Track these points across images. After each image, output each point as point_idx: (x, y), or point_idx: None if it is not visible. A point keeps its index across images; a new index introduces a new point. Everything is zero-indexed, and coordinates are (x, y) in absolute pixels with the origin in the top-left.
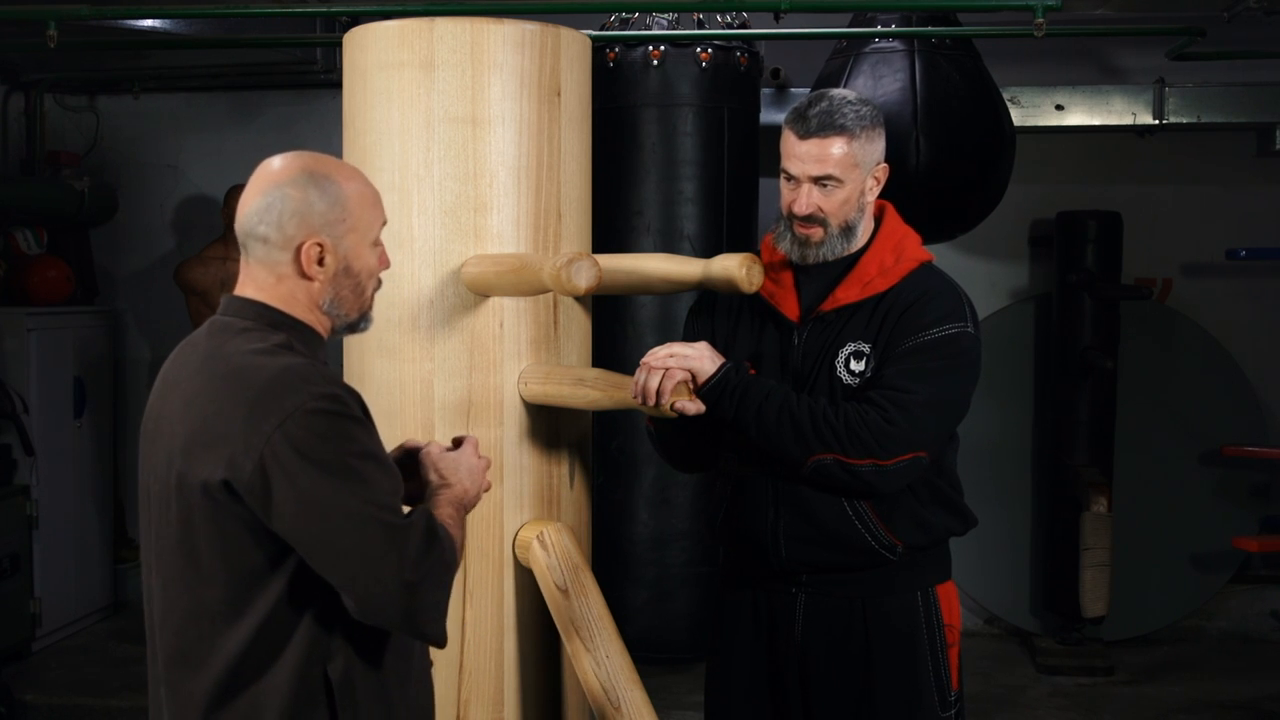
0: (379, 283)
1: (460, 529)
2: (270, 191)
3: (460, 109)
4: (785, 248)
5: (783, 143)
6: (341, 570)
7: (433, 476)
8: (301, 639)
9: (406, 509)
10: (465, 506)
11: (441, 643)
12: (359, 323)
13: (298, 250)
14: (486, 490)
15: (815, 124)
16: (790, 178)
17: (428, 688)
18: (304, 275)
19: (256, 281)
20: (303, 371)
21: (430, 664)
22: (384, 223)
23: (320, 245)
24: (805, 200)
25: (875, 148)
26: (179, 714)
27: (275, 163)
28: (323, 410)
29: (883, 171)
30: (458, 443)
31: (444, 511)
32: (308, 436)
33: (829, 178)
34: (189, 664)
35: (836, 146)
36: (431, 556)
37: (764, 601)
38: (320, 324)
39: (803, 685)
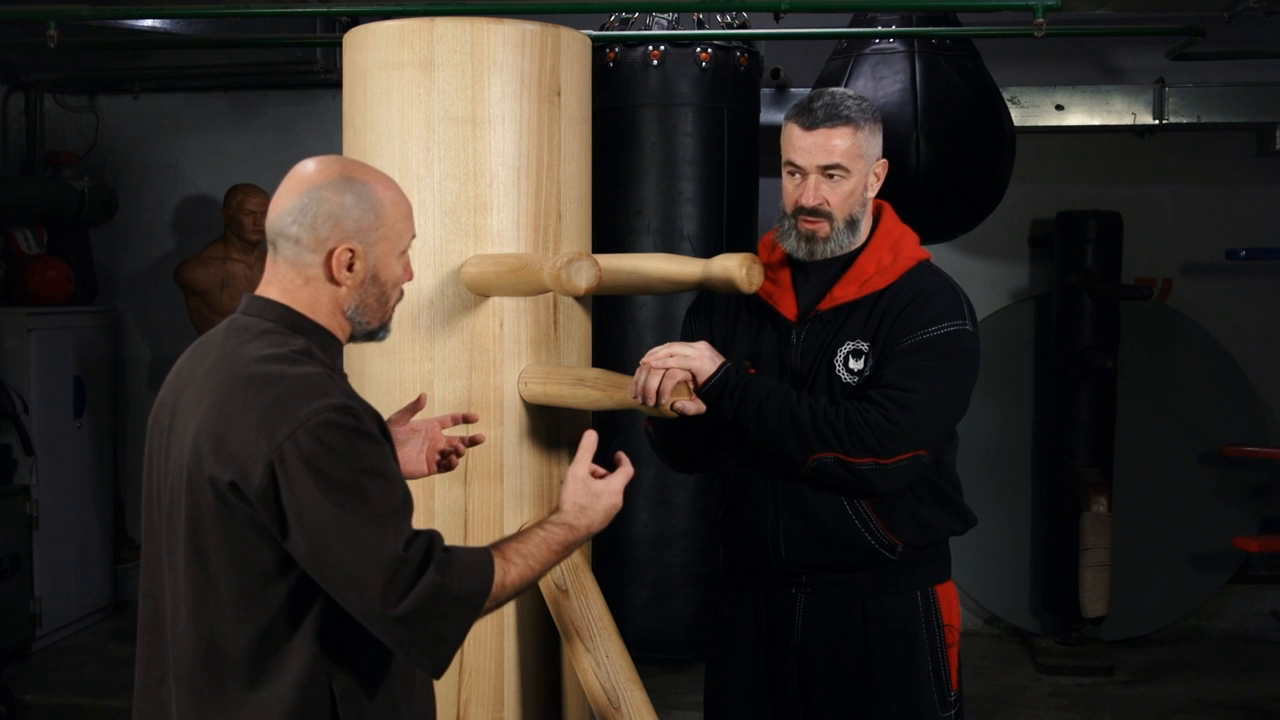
0: (401, 294)
1: (534, 566)
2: (307, 192)
3: (460, 109)
4: (790, 245)
5: (786, 137)
6: (335, 587)
7: (568, 507)
8: (307, 646)
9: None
10: (569, 549)
11: (435, 674)
12: (379, 331)
13: (329, 254)
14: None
15: (821, 115)
16: (795, 171)
17: (430, 694)
18: (332, 280)
19: (282, 282)
20: (319, 382)
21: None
22: (413, 235)
23: (352, 251)
24: (813, 192)
25: (876, 141)
26: (186, 712)
27: (311, 164)
28: (334, 423)
29: (882, 167)
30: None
31: (528, 546)
32: (317, 448)
33: (836, 167)
34: (194, 663)
35: (842, 137)
36: (418, 590)
37: (764, 601)
38: (341, 329)
39: (802, 685)
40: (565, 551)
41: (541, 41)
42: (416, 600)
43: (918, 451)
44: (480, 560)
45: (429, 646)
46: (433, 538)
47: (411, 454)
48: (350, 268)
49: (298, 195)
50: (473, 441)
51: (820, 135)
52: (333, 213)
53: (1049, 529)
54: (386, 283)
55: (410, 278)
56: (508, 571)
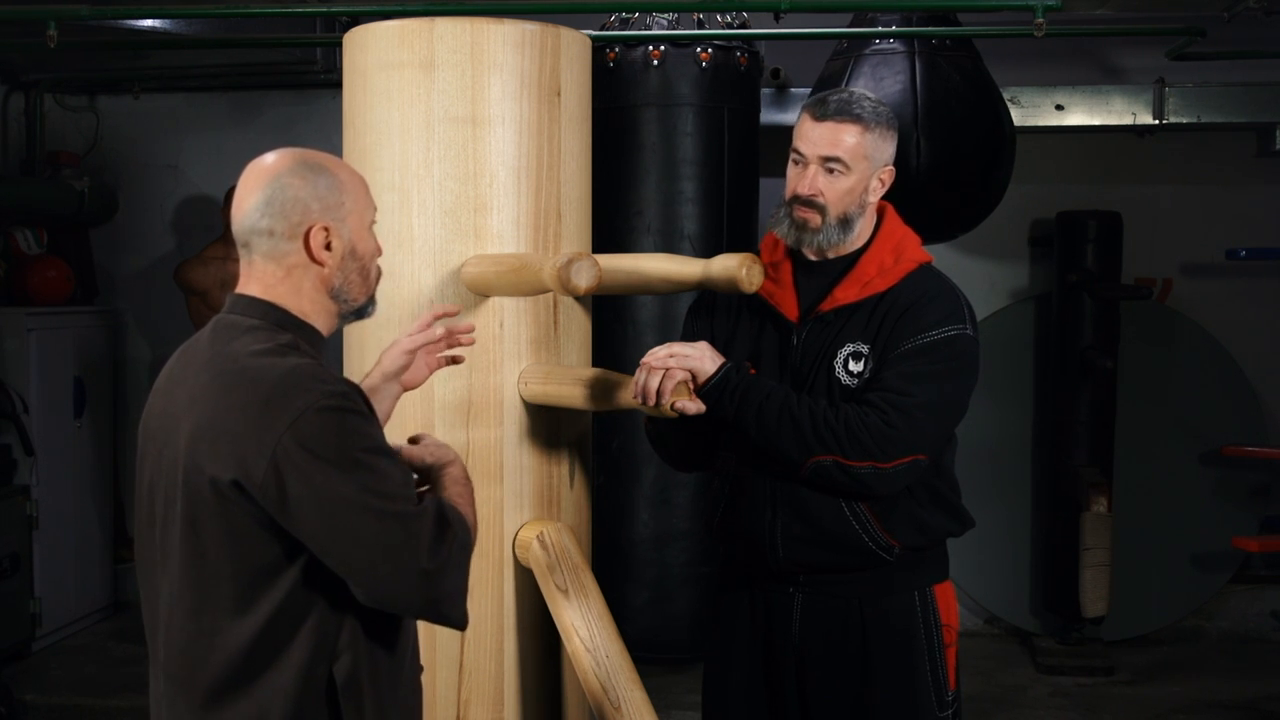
0: (379, 270)
1: (471, 505)
2: (269, 185)
3: (460, 109)
4: (782, 232)
5: (797, 126)
6: (359, 564)
7: (430, 460)
8: (308, 637)
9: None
10: (467, 480)
11: (463, 625)
12: (366, 307)
13: (305, 236)
14: None
15: (833, 108)
16: (799, 159)
17: (418, 684)
18: (314, 261)
19: (263, 279)
20: (310, 371)
21: (420, 668)
22: (375, 209)
23: (326, 229)
24: (810, 182)
25: (886, 147)
26: (182, 711)
27: (267, 159)
28: (332, 408)
29: (888, 174)
30: (413, 440)
31: (453, 491)
32: (318, 434)
33: (836, 160)
34: (194, 660)
35: (850, 134)
36: (446, 542)
37: (761, 601)
38: (327, 315)
39: (800, 685)
40: (470, 486)
41: (541, 41)
42: (448, 552)
43: (916, 456)
44: (459, 513)
45: (455, 600)
46: (438, 498)
47: (416, 369)
48: (328, 246)
49: (260, 190)
50: (460, 335)
51: (828, 128)
52: (299, 196)
53: (1049, 529)
54: (364, 256)
55: (381, 252)
56: (469, 516)
